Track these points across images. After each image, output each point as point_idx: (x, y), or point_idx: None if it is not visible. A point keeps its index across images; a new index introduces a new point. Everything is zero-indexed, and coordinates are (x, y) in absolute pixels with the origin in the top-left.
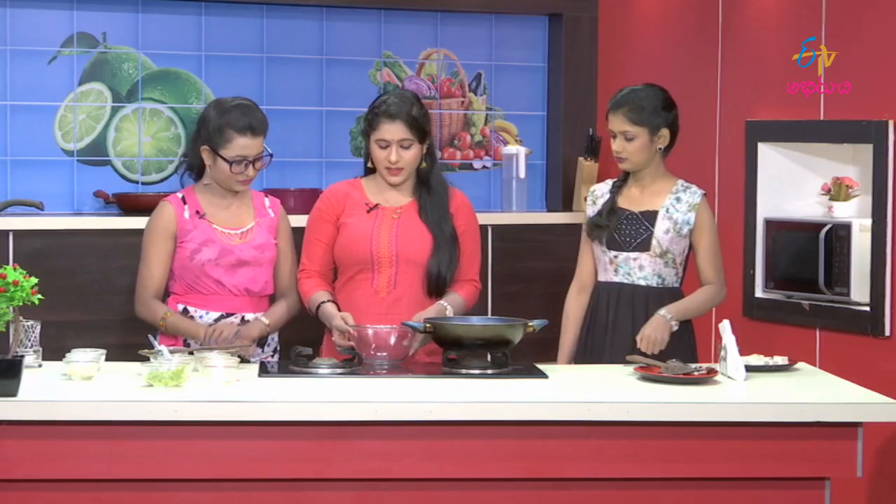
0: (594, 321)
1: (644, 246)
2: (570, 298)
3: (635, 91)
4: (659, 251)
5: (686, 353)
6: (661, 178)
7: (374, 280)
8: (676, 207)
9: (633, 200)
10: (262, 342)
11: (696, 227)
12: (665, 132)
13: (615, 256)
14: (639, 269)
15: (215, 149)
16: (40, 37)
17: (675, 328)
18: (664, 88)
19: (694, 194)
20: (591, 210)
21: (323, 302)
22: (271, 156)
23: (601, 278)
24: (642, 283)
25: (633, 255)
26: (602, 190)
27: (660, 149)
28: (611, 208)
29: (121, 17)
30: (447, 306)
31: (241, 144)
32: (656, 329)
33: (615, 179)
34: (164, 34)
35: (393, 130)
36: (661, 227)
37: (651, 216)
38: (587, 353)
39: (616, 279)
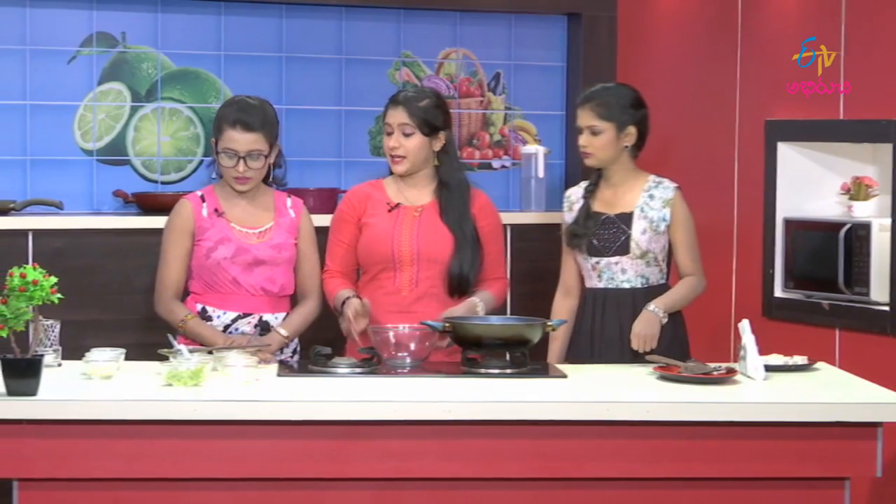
0: (580, 327)
1: (623, 249)
2: (556, 304)
3: (606, 88)
4: (639, 252)
5: (678, 346)
6: (631, 176)
7: (397, 279)
8: (651, 205)
9: (607, 203)
10: None
11: (672, 222)
12: (632, 130)
13: (597, 263)
14: (621, 272)
15: (216, 141)
16: (60, 37)
17: (665, 321)
18: (635, 89)
19: (667, 189)
20: (568, 216)
21: (348, 297)
22: (266, 157)
23: (587, 285)
24: (626, 286)
25: (613, 259)
26: (577, 195)
27: (626, 147)
28: (586, 214)
29: (140, 17)
30: (479, 302)
31: (230, 137)
32: (646, 325)
33: (588, 183)
34: (183, 34)
35: (394, 115)
36: (637, 228)
37: (627, 218)
38: (572, 357)
39: (600, 285)
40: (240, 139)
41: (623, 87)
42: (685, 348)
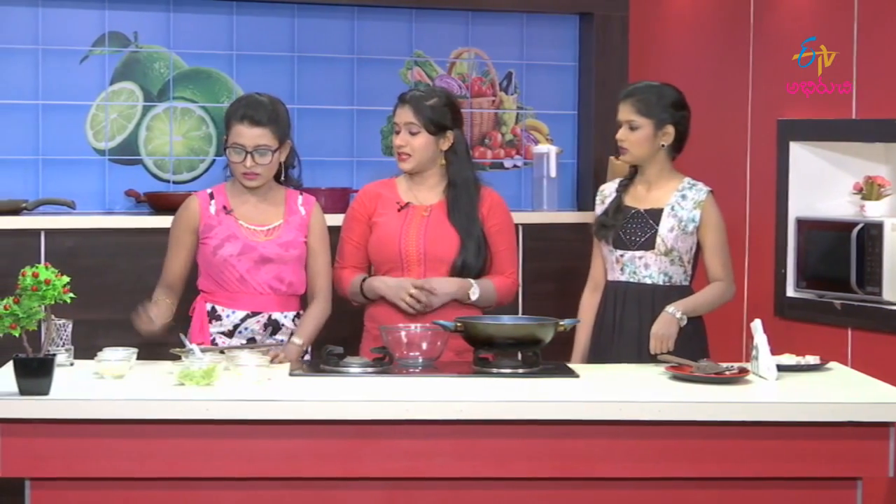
0: (601, 321)
1: (649, 244)
2: (584, 298)
3: (650, 85)
4: (664, 249)
5: (697, 350)
6: (666, 176)
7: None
8: (682, 205)
9: (639, 198)
10: None
11: (703, 225)
12: (670, 129)
13: (621, 255)
14: (644, 267)
15: (226, 139)
16: (72, 36)
17: (684, 323)
18: (679, 90)
19: (700, 191)
20: (599, 209)
21: (364, 279)
22: (274, 152)
23: (609, 278)
24: (648, 281)
25: (638, 253)
26: (610, 189)
27: (664, 146)
28: (617, 207)
29: (152, 17)
30: (472, 283)
31: (238, 132)
32: (663, 326)
33: (622, 178)
34: (195, 33)
35: (401, 114)
36: (665, 225)
37: (656, 214)
38: (593, 352)
39: (622, 278)
40: (246, 133)
41: (666, 87)
42: (704, 349)
